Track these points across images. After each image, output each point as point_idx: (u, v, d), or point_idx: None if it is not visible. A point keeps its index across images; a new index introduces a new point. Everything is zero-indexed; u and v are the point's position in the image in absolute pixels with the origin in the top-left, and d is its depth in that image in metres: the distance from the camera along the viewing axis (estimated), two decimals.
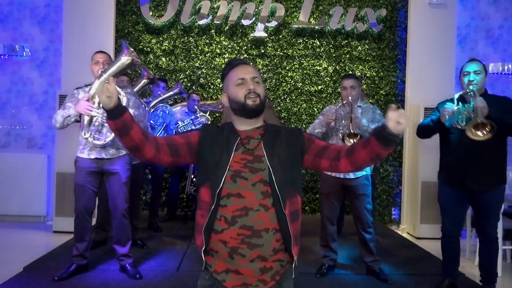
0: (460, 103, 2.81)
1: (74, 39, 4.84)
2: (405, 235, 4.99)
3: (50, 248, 3.92)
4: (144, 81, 4.17)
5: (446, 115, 2.78)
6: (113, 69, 3.06)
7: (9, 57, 5.29)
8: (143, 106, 3.30)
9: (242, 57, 5.44)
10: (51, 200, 5.10)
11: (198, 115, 4.77)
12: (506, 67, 5.41)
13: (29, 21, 5.32)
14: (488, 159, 2.81)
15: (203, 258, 1.46)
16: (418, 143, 4.94)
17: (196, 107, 4.75)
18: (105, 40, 4.92)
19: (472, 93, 2.74)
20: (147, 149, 1.45)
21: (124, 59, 3.07)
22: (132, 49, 3.12)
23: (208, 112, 4.95)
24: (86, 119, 3.01)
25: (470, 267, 3.80)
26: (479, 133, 2.60)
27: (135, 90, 3.99)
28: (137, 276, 3.15)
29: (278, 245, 1.44)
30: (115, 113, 1.40)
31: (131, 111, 3.04)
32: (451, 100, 2.92)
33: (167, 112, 4.45)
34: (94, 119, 3.01)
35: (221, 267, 1.44)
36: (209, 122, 4.76)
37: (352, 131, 3.01)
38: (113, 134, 2.99)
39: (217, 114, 5.35)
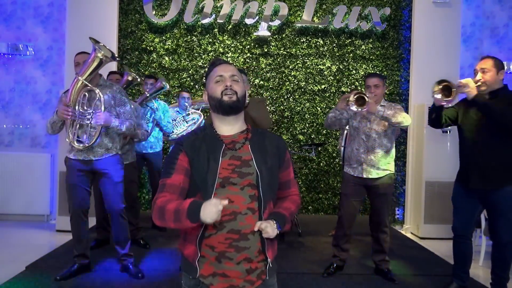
0: None
1: (77, 38, 4.83)
2: (408, 235, 4.96)
3: (53, 247, 3.93)
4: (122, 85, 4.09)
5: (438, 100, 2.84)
6: (87, 70, 2.96)
7: (13, 56, 5.30)
8: (130, 102, 3.20)
9: (245, 56, 5.43)
10: (54, 199, 5.11)
11: (189, 112, 4.74)
12: (511, 66, 5.36)
13: (32, 20, 5.33)
14: (493, 157, 2.76)
15: (197, 267, 1.45)
16: (422, 143, 4.91)
17: (186, 104, 4.71)
18: (108, 39, 4.91)
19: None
20: None
21: (93, 60, 2.95)
22: (100, 47, 2.96)
23: (201, 109, 4.88)
24: (68, 123, 2.99)
25: (474, 267, 3.74)
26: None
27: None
28: (139, 275, 3.14)
29: (261, 246, 1.47)
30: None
31: (117, 109, 3.03)
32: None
33: (155, 108, 4.32)
34: (75, 122, 2.97)
35: (207, 271, 1.45)
36: (201, 119, 4.69)
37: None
38: (97, 136, 2.95)
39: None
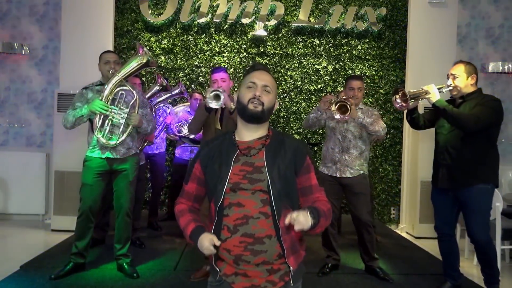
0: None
1: (73, 37, 4.82)
2: (404, 234, 4.98)
3: (48, 246, 3.91)
4: (156, 87, 4.19)
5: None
6: (127, 69, 3.06)
7: (8, 55, 5.28)
8: (149, 105, 3.32)
9: (241, 56, 5.43)
10: (49, 198, 5.09)
11: None
12: (506, 67, 5.39)
13: (27, 19, 5.31)
14: (460, 158, 2.84)
15: (217, 268, 1.51)
16: (418, 143, 4.93)
17: (197, 106, 4.73)
18: (104, 39, 4.90)
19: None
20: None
21: (139, 60, 3.09)
22: (147, 50, 3.15)
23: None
24: (98, 119, 3.00)
25: (469, 267, 3.78)
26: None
27: (147, 96, 4.03)
28: (135, 275, 3.13)
29: (282, 250, 1.46)
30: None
31: (140, 110, 3.06)
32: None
33: (168, 112, 4.45)
34: (108, 119, 3.00)
35: (230, 270, 1.48)
36: None
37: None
38: (125, 135, 3.01)
39: None
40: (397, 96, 2.91)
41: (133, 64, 3.11)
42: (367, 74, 5.44)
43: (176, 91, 4.50)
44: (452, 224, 3.04)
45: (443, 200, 2.99)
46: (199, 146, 4.30)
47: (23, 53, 5.26)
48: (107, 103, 2.99)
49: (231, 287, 1.48)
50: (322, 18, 5.35)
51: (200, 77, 5.42)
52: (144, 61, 3.14)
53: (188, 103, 4.88)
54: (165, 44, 5.38)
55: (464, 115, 2.74)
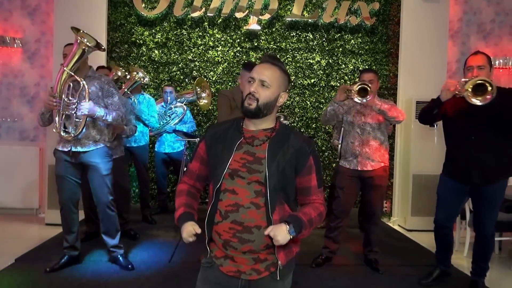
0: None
1: (65, 31, 4.73)
2: (396, 227, 5.04)
3: (42, 240, 3.92)
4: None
5: (448, 89, 2.65)
6: (71, 60, 2.95)
7: (0, 49, 5.24)
8: (118, 94, 3.19)
9: (235, 50, 5.43)
10: (43, 192, 5.08)
11: (172, 106, 4.76)
12: (497, 61, 5.45)
13: (20, 12, 5.27)
14: (491, 153, 2.74)
15: (208, 248, 1.56)
16: (410, 137, 4.98)
17: (169, 98, 4.73)
18: (97, 32, 4.86)
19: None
20: (198, 198, 1.71)
21: (76, 49, 2.94)
22: (82, 35, 2.94)
23: (185, 102, 4.89)
24: (55, 112, 2.98)
25: (459, 258, 3.86)
26: (478, 98, 2.49)
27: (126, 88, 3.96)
28: (129, 267, 3.16)
29: (271, 242, 1.46)
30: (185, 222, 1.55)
31: (104, 100, 3.03)
32: None
33: (134, 101, 4.29)
34: (61, 112, 2.96)
35: (220, 253, 1.53)
36: (184, 113, 4.72)
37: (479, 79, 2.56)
38: (82, 126, 2.95)
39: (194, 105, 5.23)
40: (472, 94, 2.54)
41: (72, 55, 2.95)
42: (360, 68, 5.47)
43: (137, 78, 4.32)
44: (455, 218, 3.07)
45: (454, 194, 2.93)
46: (192, 139, 4.31)
47: (16, 46, 5.22)
48: (62, 95, 2.93)
49: (219, 270, 1.52)
50: (315, 12, 5.37)
51: (194, 71, 5.42)
52: (80, 52, 2.94)
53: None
54: (158, 38, 5.36)
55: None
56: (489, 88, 2.44)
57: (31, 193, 5.17)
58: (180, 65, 5.41)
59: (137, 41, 5.36)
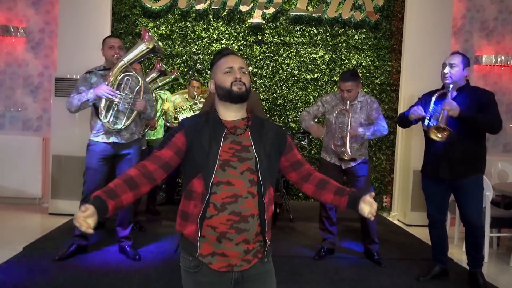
0: (433, 103, 2.96)
1: (70, 22, 4.80)
2: (395, 222, 5.11)
3: (47, 230, 3.96)
4: (154, 74, 4.22)
5: (414, 118, 3.02)
6: (133, 54, 3.09)
7: (4, 38, 5.23)
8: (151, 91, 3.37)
9: (239, 43, 5.45)
10: (46, 182, 5.12)
11: (197, 101, 4.80)
12: (499, 59, 5.50)
13: (24, 2, 5.25)
14: (459, 151, 2.94)
15: (198, 245, 1.49)
16: (411, 133, 5.03)
17: (195, 93, 4.77)
18: (102, 24, 4.89)
19: (449, 88, 2.93)
20: (144, 189, 1.52)
21: (145, 45, 3.11)
22: (152, 35, 3.16)
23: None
24: (103, 103, 3.02)
25: (458, 253, 3.93)
26: (438, 135, 2.85)
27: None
28: (137, 257, 3.22)
29: (259, 229, 1.54)
30: (103, 215, 1.42)
31: (144, 96, 3.12)
32: (435, 92, 3.06)
33: (165, 98, 4.45)
34: (113, 104, 3.04)
35: (206, 250, 1.50)
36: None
37: (442, 125, 2.85)
38: (130, 120, 3.06)
39: None
40: (435, 133, 2.88)
41: (139, 50, 3.12)
42: (363, 64, 5.50)
43: (173, 77, 4.51)
44: (444, 211, 3.18)
45: (436, 189, 3.11)
46: None
47: (19, 36, 5.22)
48: (113, 88, 3.02)
49: (209, 269, 1.50)
50: (320, 7, 5.38)
51: (198, 64, 5.44)
52: (150, 47, 3.15)
53: (186, 90, 4.91)
54: (163, 30, 5.37)
55: (491, 119, 2.84)
56: (448, 132, 2.82)
57: (33, 182, 5.19)
58: (184, 58, 5.42)
59: (142, 32, 5.35)
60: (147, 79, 4.14)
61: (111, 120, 3.04)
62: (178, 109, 4.72)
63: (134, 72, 3.07)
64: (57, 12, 4.98)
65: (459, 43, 5.59)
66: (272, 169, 1.59)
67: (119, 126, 3.05)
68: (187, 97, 4.83)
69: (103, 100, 3.01)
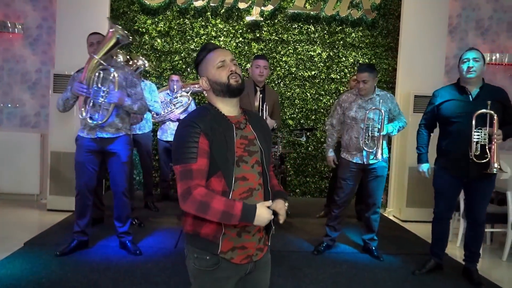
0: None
1: (68, 18, 4.79)
2: (391, 217, 5.18)
3: (46, 225, 3.98)
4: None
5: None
6: (103, 49, 3.06)
7: (1, 34, 5.22)
8: (140, 84, 3.31)
9: (237, 41, 5.48)
10: (44, 179, 5.13)
11: (178, 95, 4.82)
12: (494, 57, 5.57)
13: None
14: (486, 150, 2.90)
15: (219, 243, 1.48)
16: (407, 130, 5.09)
17: (175, 87, 4.79)
18: (100, 20, 4.86)
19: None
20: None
21: (109, 39, 3.06)
22: (116, 27, 3.06)
23: (190, 92, 4.97)
24: (81, 100, 3.08)
25: (452, 248, 4.00)
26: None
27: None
28: (137, 252, 3.25)
29: None
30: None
31: (128, 90, 3.11)
32: (449, 89, 3.08)
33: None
34: (89, 99, 3.06)
35: (227, 247, 1.50)
36: (189, 102, 4.79)
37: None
38: (108, 114, 3.04)
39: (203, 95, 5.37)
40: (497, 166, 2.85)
41: (105, 45, 3.07)
42: (360, 61, 5.55)
43: (138, 63, 4.31)
44: (453, 209, 3.23)
45: (452, 185, 3.09)
46: None
47: (17, 32, 5.21)
48: (89, 84, 3.03)
49: (230, 264, 1.50)
50: (317, 5, 5.42)
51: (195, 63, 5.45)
52: (113, 42, 3.06)
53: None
54: (161, 27, 5.38)
55: None
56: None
57: (31, 179, 5.20)
58: (182, 55, 5.44)
59: (140, 29, 5.38)
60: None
61: (88, 115, 3.06)
62: (161, 103, 4.73)
63: (106, 66, 3.04)
64: (55, 8, 4.97)
65: (455, 42, 5.66)
66: (270, 159, 1.66)
67: (95, 122, 3.05)
68: (168, 92, 4.86)
69: (81, 97, 3.07)
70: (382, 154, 3.34)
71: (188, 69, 5.46)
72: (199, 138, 1.45)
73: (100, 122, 3.05)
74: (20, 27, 5.21)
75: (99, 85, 3.04)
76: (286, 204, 1.60)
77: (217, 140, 1.47)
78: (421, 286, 3.01)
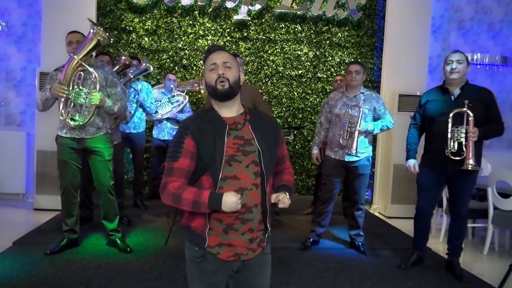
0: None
1: (54, 15, 4.75)
2: (376, 214, 5.29)
3: (33, 225, 3.96)
4: (117, 67, 4.12)
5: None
6: (84, 50, 3.04)
7: None
8: (120, 84, 3.29)
9: (225, 40, 5.51)
10: (30, 178, 5.08)
11: (174, 94, 4.84)
12: (475, 57, 5.72)
13: None
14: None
15: (206, 237, 1.57)
16: (392, 130, 5.19)
17: (172, 86, 4.80)
18: (86, 17, 4.83)
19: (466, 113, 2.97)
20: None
21: (90, 40, 3.03)
22: (97, 29, 3.05)
23: (185, 91, 4.99)
24: (61, 101, 3.03)
25: (435, 243, 4.12)
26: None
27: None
28: (128, 249, 3.27)
29: (261, 217, 1.62)
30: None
31: (108, 90, 3.11)
32: (435, 90, 3.21)
33: (139, 89, 4.35)
34: (69, 100, 3.03)
35: (214, 242, 1.57)
36: (185, 102, 4.82)
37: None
38: (90, 115, 3.03)
39: (197, 95, 5.42)
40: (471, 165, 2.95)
41: (85, 46, 3.05)
42: (346, 61, 5.64)
43: (141, 68, 4.36)
44: (434, 205, 3.34)
45: (434, 182, 3.21)
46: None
47: (1, 29, 5.14)
48: (69, 84, 3.01)
49: (216, 258, 1.57)
50: (304, 5, 5.48)
51: (184, 60, 5.47)
52: (94, 43, 3.05)
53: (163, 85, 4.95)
54: (148, 25, 5.38)
55: (497, 128, 3.03)
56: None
57: (17, 178, 5.15)
58: (170, 53, 5.45)
59: (127, 27, 5.36)
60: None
61: (69, 116, 3.04)
62: (157, 103, 4.74)
63: (87, 67, 3.02)
64: (40, 6, 4.92)
65: (438, 42, 5.79)
66: (273, 160, 1.66)
67: (77, 122, 3.04)
68: (163, 91, 4.86)
69: (61, 98, 3.03)
70: (356, 149, 3.36)
71: (176, 67, 5.46)
72: (186, 139, 1.56)
73: (81, 123, 3.04)
74: (4, 24, 5.14)
75: (80, 87, 3.02)
76: (287, 194, 1.60)
77: (206, 141, 1.55)
78: (406, 279, 3.10)
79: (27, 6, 5.22)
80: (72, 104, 3.04)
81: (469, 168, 2.94)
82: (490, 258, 3.86)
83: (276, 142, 1.69)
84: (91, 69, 3.02)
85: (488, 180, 3.94)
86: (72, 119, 3.05)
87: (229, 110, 1.63)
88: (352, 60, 5.64)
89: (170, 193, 1.52)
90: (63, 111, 3.05)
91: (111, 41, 3.19)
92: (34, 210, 4.66)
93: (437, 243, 4.11)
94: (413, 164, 3.29)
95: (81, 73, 3.03)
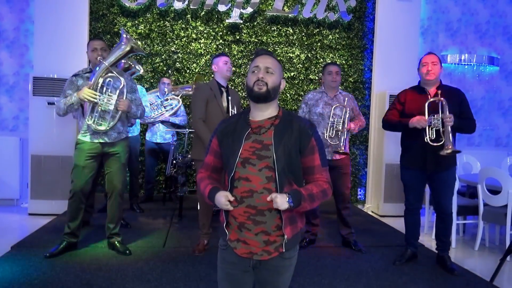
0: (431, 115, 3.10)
1: (46, 20, 4.75)
2: (370, 213, 5.38)
3: (29, 230, 3.96)
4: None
5: (418, 127, 3.12)
6: (113, 57, 3.16)
7: None
8: (137, 89, 3.42)
9: (217, 43, 5.56)
10: (24, 183, 5.06)
11: (167, 98, 4.87)
12: (463, 57, 5.86)
13: None
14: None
15: (226, 231, 1.71)
16: (383, 130, 5.29)
17: (166, 90, 4.85)
18: (79, 22, 4.87)
19: (441, 103, 3.08)
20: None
21: (123, 47, 3.17)
22: (130, 36, 3.21)
23: (180, 95, 5.03)
24: (88, 105, 3.11)
25: (428, 240, 4.21)
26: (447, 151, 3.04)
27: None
28: (127, 252, 3.29)
29: (281, 222, 1.65)
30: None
31: (128, 96, 3.19)
32: (411, 89, 3.35)
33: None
34: (97, 105, 3.10)
35: (234, 236, 1.69)
36: (179, 105, 4.86)
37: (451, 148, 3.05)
38: (115, 120, 3.14)
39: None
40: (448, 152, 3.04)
41: (117, 52, 3.18)
42: (337, 63, 5.73)
43: (130, 70, 4.35)
44: (421, 199, 3.46)
45: (417, 179, 3.33)
46: (179, 129, 4.47)
47: None
48: (96, 90, 3.08)
49: (234, 252, 1.68)
50: (295, 7, 5.56)
51: (177, 63, 5.51)
52: (128, 49, 3.20)
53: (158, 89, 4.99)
54: (141, 29, 5.41)
55: (470, 122, 3.16)
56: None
57: (11, 183, 5.13)
58: (163, 57, 5.48)
59: (120, 31, 5.37)
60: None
61: (95, 121, 3.11)
62: (150, 106, 4.79)
63: (115, 73, 3.13)
64: (32, 11, 4.92)
65: (427, 43, 5.92)
66: (294, 166, 1.66)
67: (103, 128, 3.12)
68: (158, 94, 4.90)
69: (88, 102, 3.09)
70: (345, 148, 3.49)
71: (169, 71, 5.50)
72: (213, 138, 1.78)
73: (106, 128, 3.13)
74: None
75: (109, 93, 3.11)
76: (286, 198, 1.56)
77: (227, 142, 1.70)
78: (400, 274, 3.18)
79: (19, 11, 5.22)
80: (99, 109, 3.11)
81: (449, 151, 3.03)
82: (481, 253, 3.96)
83: (299, 151, 1.66)
84: (119, 77, 3.13)
85: (478, 177, 4.04)
86: (99, 124, 3.11)
87: (261, 113, 1.69)
88: (344, 62, 5.74)
89: (197, 182, 1.84)
90: (89, 116, 3.10)
91: (144, 52, 3.27)
92: (29, 215, 4.64)
93: (430, 240, 4.20)
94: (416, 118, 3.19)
95: (110, 79, 3.11)
